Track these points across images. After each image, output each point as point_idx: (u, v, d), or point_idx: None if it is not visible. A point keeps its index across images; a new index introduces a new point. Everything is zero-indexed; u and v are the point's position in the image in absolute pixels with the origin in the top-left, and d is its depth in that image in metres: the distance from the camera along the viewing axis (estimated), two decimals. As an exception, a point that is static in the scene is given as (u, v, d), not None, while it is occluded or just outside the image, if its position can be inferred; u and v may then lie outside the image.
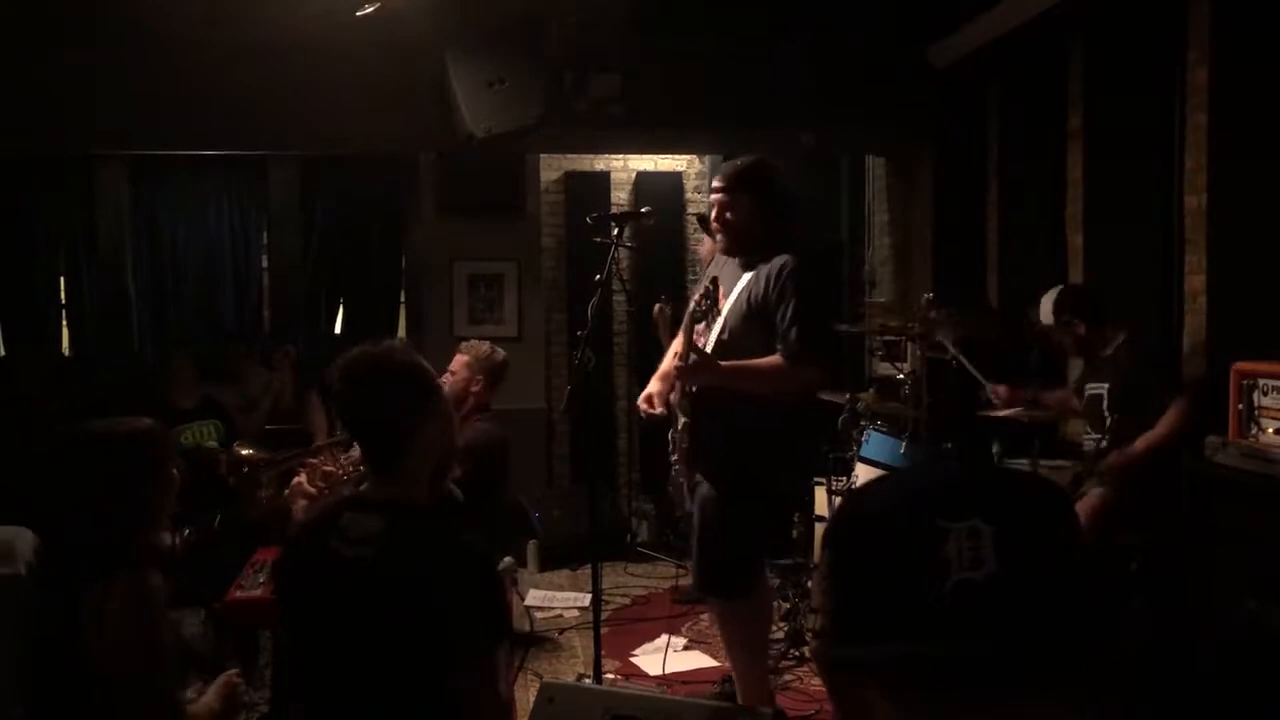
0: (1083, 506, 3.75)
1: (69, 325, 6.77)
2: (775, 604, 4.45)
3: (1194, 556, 3.65)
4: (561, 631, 4.99)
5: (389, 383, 2.14)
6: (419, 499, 2.18)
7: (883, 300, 6.51)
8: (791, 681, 4.27)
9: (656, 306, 3.72)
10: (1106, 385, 4.04)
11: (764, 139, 5.83)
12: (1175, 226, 4.39)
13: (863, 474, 4.40)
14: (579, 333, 3.59)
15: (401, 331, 6.89)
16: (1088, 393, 4.15)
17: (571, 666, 4.58)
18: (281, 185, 6.82)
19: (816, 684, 4.08)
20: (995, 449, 4.27)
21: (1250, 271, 4.07)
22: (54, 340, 6.73)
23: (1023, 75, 5.60)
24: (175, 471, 2.48)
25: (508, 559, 4.47)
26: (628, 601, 5.46)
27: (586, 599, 5.11)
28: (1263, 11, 3.97)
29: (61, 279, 6.71)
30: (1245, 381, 3.69)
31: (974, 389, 4.57)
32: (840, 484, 4.69)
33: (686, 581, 3.76)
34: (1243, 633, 3.33)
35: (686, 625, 4.94)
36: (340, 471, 3.41)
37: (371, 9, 4.76)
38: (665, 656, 4.38)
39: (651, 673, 4.40)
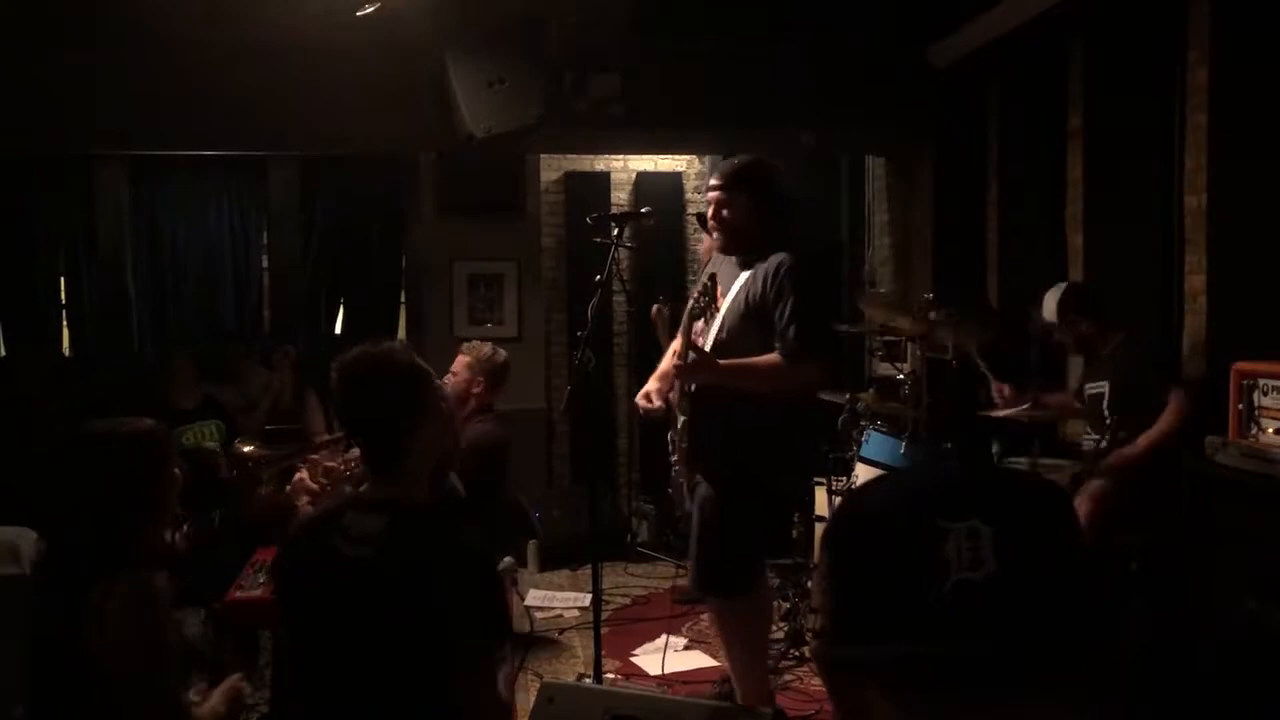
0: (1083, 498, 3.74)
1: (69, 325, 6.77)
2: (775, 604, 4.45)
3: (1194, 556, 3.65)
4: (561, 631, 4.99)
5: (387, 383, 2.15)
6: (420, 498, 2.18)
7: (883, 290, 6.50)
8: (791, 681, 4.27)
9: (654, 307, 3.73)
10: (1107, 383, 4.04)
11: (764, 139, 5.83)
12: (1175, 226, 4.39)
13: (863, 474, 4.40)
14: (579, 333, 3.60)
15: (402, 331, 6.89)
16: (1088, 392, 4.15)
17: (571, 666, 4.58)
18: (281, 185, 6.82)
19: (816, 684, 4.08)
20: (995, 449, 4.28)
21: (1250, 271, 4.08)
22: (54, 340, 6.73)
23: (1023, 75, 5.60)
24: (177, 471, 2.48)
25: (508, 559, 4.47)
26: (628, 601, 5.46)
27: (586, 599, 5.11)
28: (1263, 11, 3.97)
29: (61, 279, 6.71)
30: (1245, 381, 3.69)
31: (974, 389, 4.57)
32: (840, 484, 4.69)
33: (686, 581, 3.75)
34: (1243, 633, 3.33)
35: (686, 625, 4.95)
36: (342, 467, 3.41)
37: (371, 9, 4.76)
38: (664, 656, 4.38)
39: (651, 673, 4.40)
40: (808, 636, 4.46)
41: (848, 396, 4.72)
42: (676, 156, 7.08)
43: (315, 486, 3.38)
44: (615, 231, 3.56)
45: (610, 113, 5.68)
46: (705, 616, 4.82)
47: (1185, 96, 4.32)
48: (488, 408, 4.38)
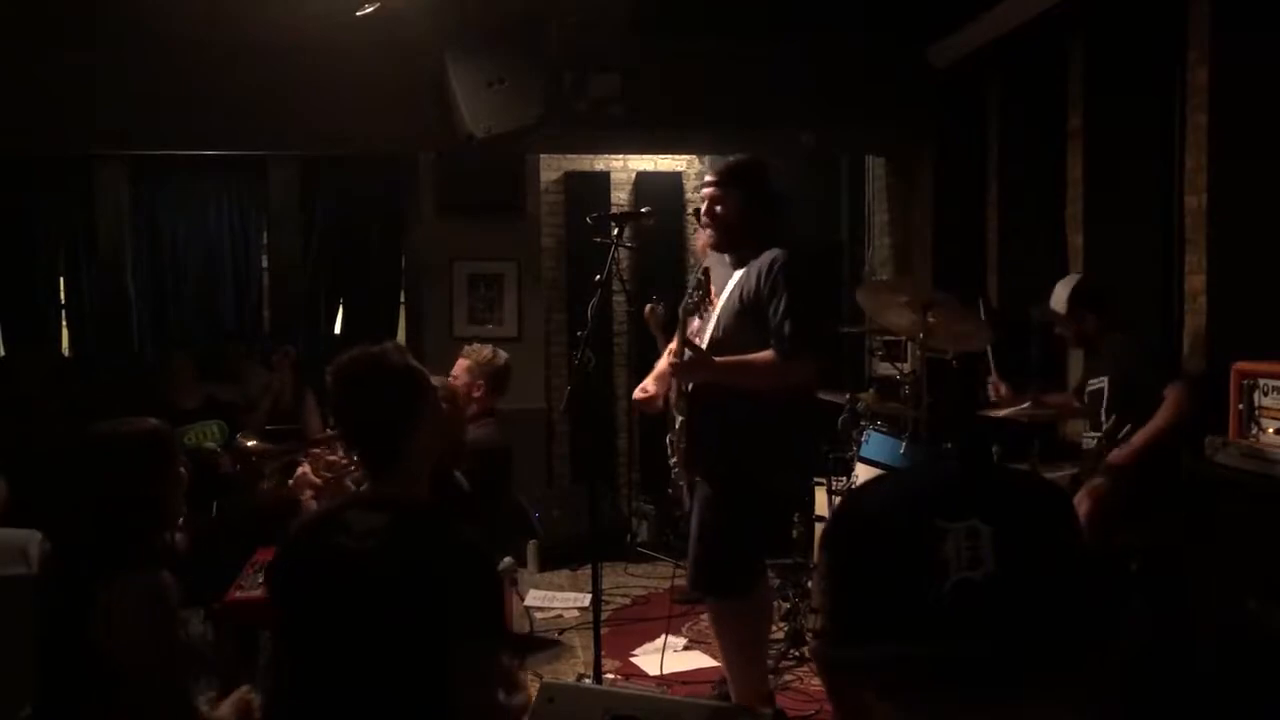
0: (1082, 497, 3.74)
1: (69, 325, 6.77)
2: (775, 604, 4.45)
3: (1194, 556, 3.65)
4: (561, 631, 4.99)
5: (383, 386, 2.15)
6: (421, 497, 2.18)
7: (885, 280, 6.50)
8: (791, 681, 4.27)
9: (648, 306, 3.73)
10: (1106, 378, 4.03)
11: (764, 139, 5.83)
12: (1175, 226, 4.39)
13: (863, 474, 4.40)
14: (579, 333, 3.59)
15: (401, 331, 6.89)
16: (1088, 388, 4.15)
17: (571, 666, 4.58)
18: (281, 185, 6.82)
19: (816, 684, 4.08)
20: (995, 450, 4.28)
21: (1250, 271, 4.08)
22: (54, 340, 6.74)
23: (1023, 75, 5.60)
24: (183, 470, 2.49)
25: (508, 559, 4.46)
26: (628, 601, 5.46)
27: (586, 599, 5.11)
28: (1263, 11, 3.97)
29: (61, 279, 6.71)
30: (1245, 381, 3.69)
31: (974, 389, 4.57)
32: (840, 484, 4.69)
33: (684, 581, 3.76)
34: (1243, 633, 3.33)
35: (686, 625, 4.94)
36: (344, 461, 3.40)
37: (371, 9, 4.76)
38: (663, 656, 4.37)
39: (651, 673, 4.40)
40: (808, 636, 4.46)
41: (848, 396, 4.72)
42: (676, 156, 7.08)
43: (318, 481, 3.38)
44: (615, 231, 3.56)
45: (610, 113, 5.68)
46: (705, 616, 4.82)
47: (1185, 96, 4.32)
48: (489, 411, 4.36)
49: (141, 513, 2.35)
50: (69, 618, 2.23)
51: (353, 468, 3.29)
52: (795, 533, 4.93)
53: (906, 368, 4.99)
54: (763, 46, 5.75)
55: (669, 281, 6.66)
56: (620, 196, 7.04)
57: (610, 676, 4.25)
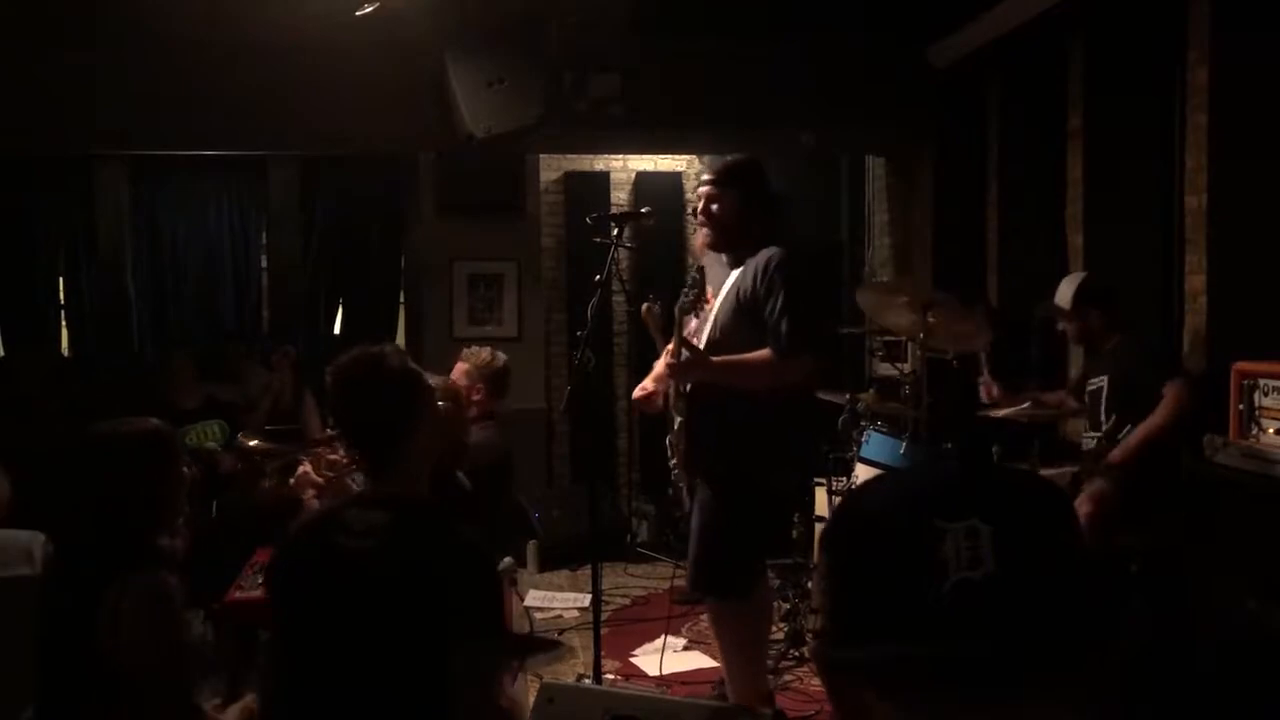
0: (1082, 499, 3.74)
1: (69, 325, 6.77)
2: (775, 604, 4.45)
3: (1194, 556, 3.65)
4: (561, 632, 4.99)
5: (381, 388, 2.15)
6: (421, 496, 2.19)
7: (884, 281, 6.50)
8: (791, 681, 4.27)
9: (644, 305, 3.73)
10: (1106, 378, 4.03)
11: (764, 139, 5.83)
12: (1175, 226, 4.39)
13: (863, 474, 4.40)
14: (579, 333, 3.59)
15: (401, 331, 6.89)
16: (1088, 388, 4.15)
17: (571, 666, 4.58)
18: (281, 185, 6.82)
19: (816, 684, 4.07)
20: (995, 450, 4.27)
21: (1250, 271, 4.07)
22: (54, 340, 6.74)
23: (1023, 75, 5.60)
24: (186, 470, 2.49)
25: (508, 559, 4.46)
26: (628, 602, 5.46)
27: (586, 599, 5.11)
28: (1263, 11, 3.97)
29: (61, 279, 6.71)
30: (1245, 382, 3.68)
31: (974, 389, 4.57)
32: (840, 484, 4.69)
33: (684, 582, 3.76)
34: (1243, 633, 3.33)
35: (686, 625, 4.94)
36: (346, 460, 3.40)
37: (371, 9, 4.76)
38: (662, 656, 4.37)
39: (651, 673, 4.40)
40: (808, 636, 4.46)
41: (848, 396, 4.72)
42: (676, 156, 7.08)
43: (320, 480, 3.38)
44: (615, 231, 3.55)
45: (610, 113, 5.68)
46: (705, 617, 4.82)
47: (1185, 96, 4.32)
48: (489, 414, 4.33)
49: (144, 513, 2.35)
50: (71, 618, 2.23)
51: (354, 467, 3.29)
52: (795, 533, 4.93)
53: (906, 368, 4.99)
54: (763, 46, 5.75)
55: (669, 281, 6.64)
56: (620, 196, 7.04)
57: (610, 677, 4.25)
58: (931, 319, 4.40)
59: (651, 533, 6.41)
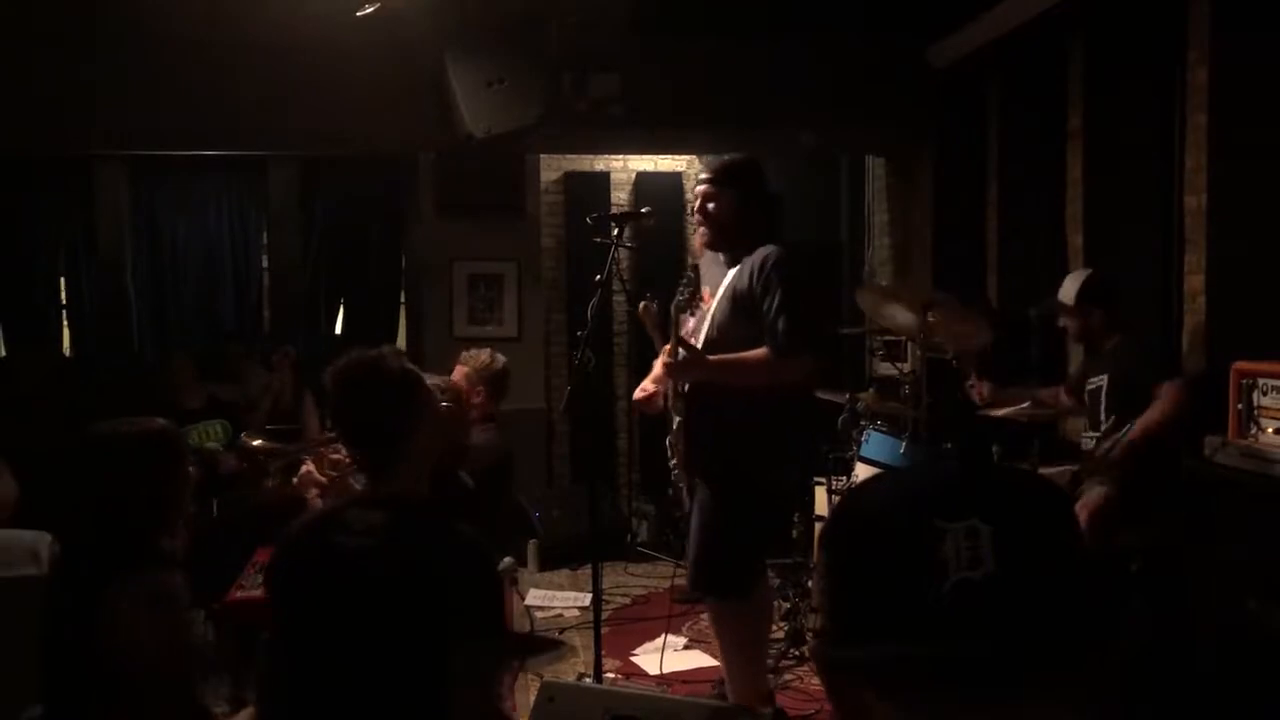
0: (1084, 505, 3.74)
1: (69, 325, 6.78)
2: (775, 604, 4.45)
3: (1194, 556, 3.65)
4: (562, 631, 4.99)
5: (380, 389, 2.15)
6: (421, 496, 2.19)
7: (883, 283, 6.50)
8: (791, 681, 4.27)
9: (641, 304, 3.74)
10: (1106, 377, 4.03)
11: (764, 139, 5.84)
12: (1175, 226, 4.39)
13: (863, 474, 4.40)
14: (579, 333, 3.59)
15: (402, 332, 6.89)
16: (1088, 388, 4.14)
17: (572, 666, 4.59)
18: (281, 185, 6.82)
19: (816, 684, 4.08)
20: (995, 450, 4.27)
21: (1249, 271, 4.07)
22: (54, 340, 6.74)
23: (1023, 75, 5.60)
24: (190, 470, 2.49)
25: (508, 559, 4.46)
26: (628, 601, 5.46)
27: (586, 599, 5.11)
28: (1263, 11, 3.97)
29: (61, 279, 6.72)
30: (1245, 381, 3.68)
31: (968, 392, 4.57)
32: (840, 484, 4.69)
33: (684, 581, 3.76)
34: (1243, 633, 3.33)
35: (686, 625, 4.95)
36: (348, 460, 3.40)
37: (371, 9, 4.77)
38: (663, 656, 4.37)
39: (651, 673, 4.40)
40: (808, 636, 4.46)
41: (848, 396, 4.72)
42: (676, 156, 7.08)
43: (323, 479, 3.39)
44: (615, 231, 3.55)
45: (610, 113, 5.68)
46: (705, 616, 4.82)
47: (1185, 96, 4.32)
48: (489, 416, 4.32)
49: (149, 513, 2.35)
50: (75, 619, 2.23)
51: (356, 467, 3.29)
52: (795, 532, 4.93)
53: (906, 368, 4.99)
54: (763, 46, 5.76)
55: (669, 281, 6.58)
56: (620, 196, 7.04)
57: (610, 676, 4.25)
58: (931, 319, 4.40)
59: (651, 532, 6.41)
